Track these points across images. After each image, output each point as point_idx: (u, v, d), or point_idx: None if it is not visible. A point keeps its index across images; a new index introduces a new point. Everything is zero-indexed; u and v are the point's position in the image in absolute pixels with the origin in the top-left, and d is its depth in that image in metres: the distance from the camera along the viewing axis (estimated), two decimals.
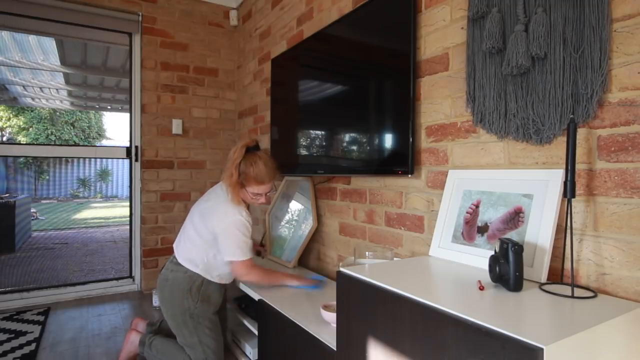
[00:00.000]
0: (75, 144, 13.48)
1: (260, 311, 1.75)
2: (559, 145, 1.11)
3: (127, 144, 3.16)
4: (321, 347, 1.32)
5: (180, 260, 1.77)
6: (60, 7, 2.82)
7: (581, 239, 1.06)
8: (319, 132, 2.15)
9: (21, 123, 12.89)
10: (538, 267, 1.05)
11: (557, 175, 1.08)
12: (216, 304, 1.81)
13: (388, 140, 1.64)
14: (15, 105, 11.30)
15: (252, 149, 1.76)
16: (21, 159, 12.62)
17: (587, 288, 1.00)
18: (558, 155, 1.11)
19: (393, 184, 1.70)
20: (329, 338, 1.33)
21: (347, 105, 1.89)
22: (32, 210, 7.57)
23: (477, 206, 1.27)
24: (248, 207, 1.85)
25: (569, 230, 1.05)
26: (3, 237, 5.21)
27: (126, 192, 14.18)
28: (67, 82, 6.07)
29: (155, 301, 2.80)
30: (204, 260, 1.75)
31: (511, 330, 0.73)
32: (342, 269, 1.19)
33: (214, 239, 1.73)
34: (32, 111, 12.90)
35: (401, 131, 1.56)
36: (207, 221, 1.74)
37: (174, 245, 1.85)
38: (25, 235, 6.30)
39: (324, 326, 1.42)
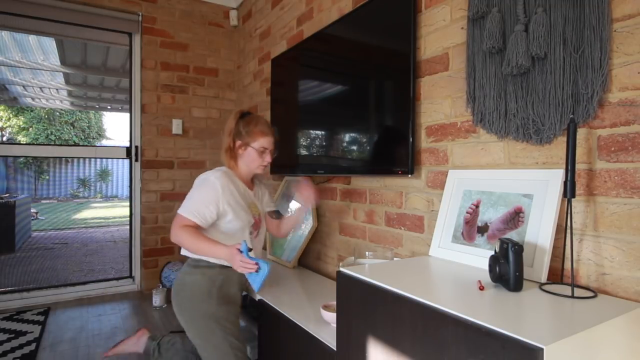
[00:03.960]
0: (75, 144, 13.48)
1: (260, 311, 1.75)
2: (559, 145, 1.11)
3: (127, 144, 3.16)
4: (321, 347, 1.32)
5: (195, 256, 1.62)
6: (60, 7, 2.82)
7: (581, 239, 1.06)
8: (319, 132, 2.15)
9: (21, 123, 12.89)
10: (538, 267, 1.05)
11: (557, 175, 1.08)
12: (236, 302, 1.69)
13: (388, 140, 1.64)
14: (15, 105, 11.30)
15: (245, 115, 1.74)
16: (21, 159, 12.62)
17: (587, 288, 1.00)
18: (558, 155, 1.11)
19: (393, 184, 1.70)
20: (329, 338, 1.33)
21: (347, 105, 1.89)
22: (32, 210, 7.58)
23: (477, 206, 1.26)
24: (252, 179, 1.75)
25: (569, 230, 1.05)
26: (3, 237, 5.21)
27: (126, 192, 14.18)
28: (67, 82, 6.08)
29: (156, 301, 2.80)
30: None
31: (511, 330, 0.73)
32: (342, 269, 1.19)
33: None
34: (32, 111, 12.90)
35: (401, 131, 1.56)
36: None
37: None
38: (25, 235, 6.30)
39: (324, 326, 1.42)
